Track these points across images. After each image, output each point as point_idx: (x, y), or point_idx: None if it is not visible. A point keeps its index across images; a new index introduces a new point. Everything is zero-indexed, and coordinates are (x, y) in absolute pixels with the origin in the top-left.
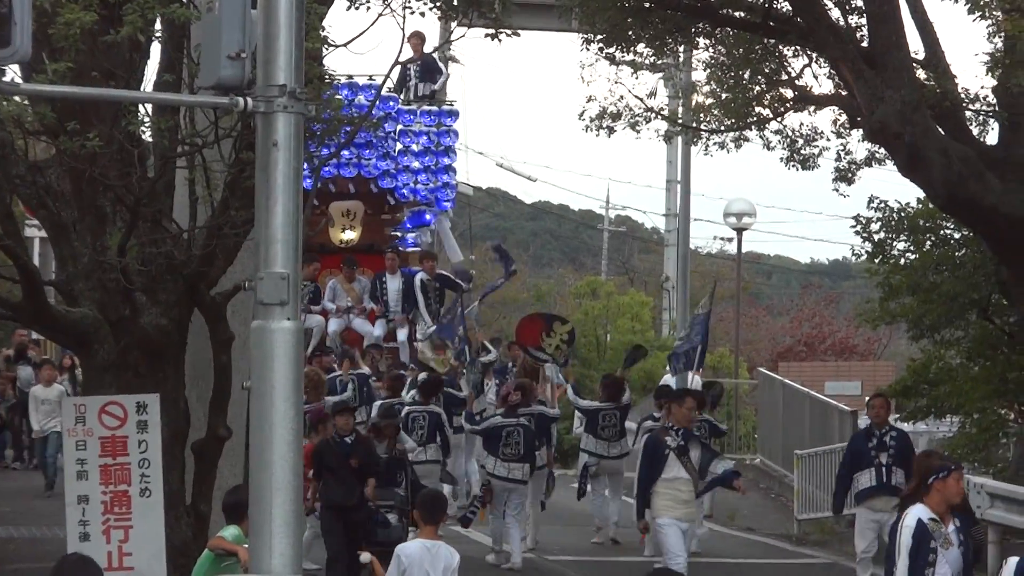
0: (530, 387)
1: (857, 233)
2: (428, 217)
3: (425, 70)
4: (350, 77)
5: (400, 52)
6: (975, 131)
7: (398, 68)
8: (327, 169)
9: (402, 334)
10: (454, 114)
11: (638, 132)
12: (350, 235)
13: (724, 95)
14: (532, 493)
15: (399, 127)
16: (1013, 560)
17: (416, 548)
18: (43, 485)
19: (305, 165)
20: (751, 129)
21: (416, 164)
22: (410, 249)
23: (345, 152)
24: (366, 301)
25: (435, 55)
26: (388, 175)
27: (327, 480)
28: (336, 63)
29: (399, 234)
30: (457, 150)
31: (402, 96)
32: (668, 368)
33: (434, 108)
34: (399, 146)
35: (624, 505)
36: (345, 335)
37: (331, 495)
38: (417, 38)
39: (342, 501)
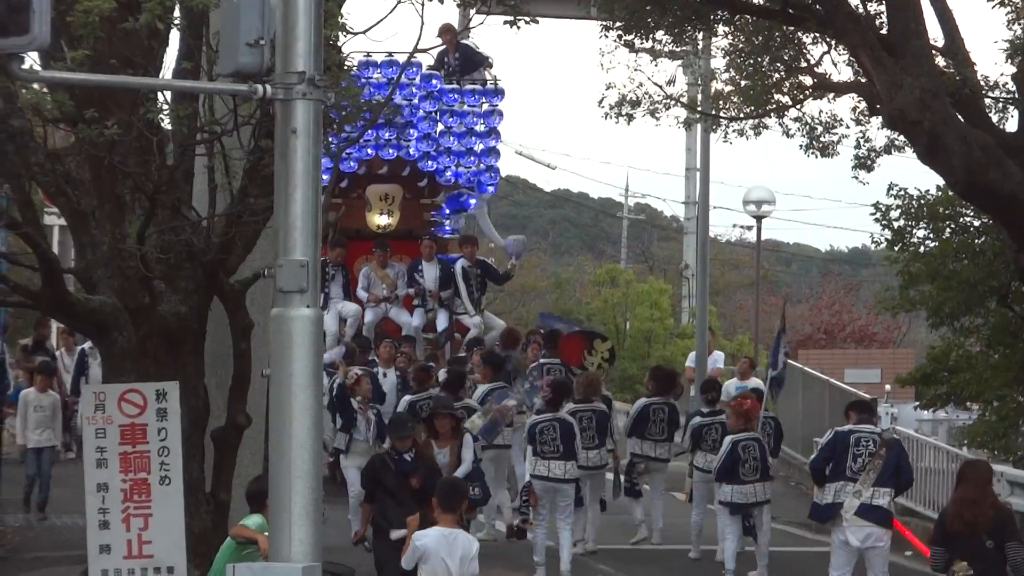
0: (590, 382)
1: (876, 221)
2: (472, 202)
3: (465, 63)
4: (390, 54)
5: (419, 38)
6: (995, 118)
7: (430, 58)
8: (364, 151)
9: (442, 323)
10: (500, 93)
11: (657, 119)
12: (388, 220)
13: (743, 82)
14: (591, 492)
15: (440, 107)
16: None
17: (433, 536)
18: (24, 505)
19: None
20: (770, 116)
21: (458, 146)
22: (447, 236)
23: (384, 133)
24: (401, 287)
25: (472, 44)
26: (429, 158)
27: (382, 503)
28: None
29: (439, 220)
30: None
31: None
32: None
33: (478, 87)
34: (440, 127)
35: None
36: (382, 326)
37: (387, 520)
38: (449, 32)
39: (400, 527)
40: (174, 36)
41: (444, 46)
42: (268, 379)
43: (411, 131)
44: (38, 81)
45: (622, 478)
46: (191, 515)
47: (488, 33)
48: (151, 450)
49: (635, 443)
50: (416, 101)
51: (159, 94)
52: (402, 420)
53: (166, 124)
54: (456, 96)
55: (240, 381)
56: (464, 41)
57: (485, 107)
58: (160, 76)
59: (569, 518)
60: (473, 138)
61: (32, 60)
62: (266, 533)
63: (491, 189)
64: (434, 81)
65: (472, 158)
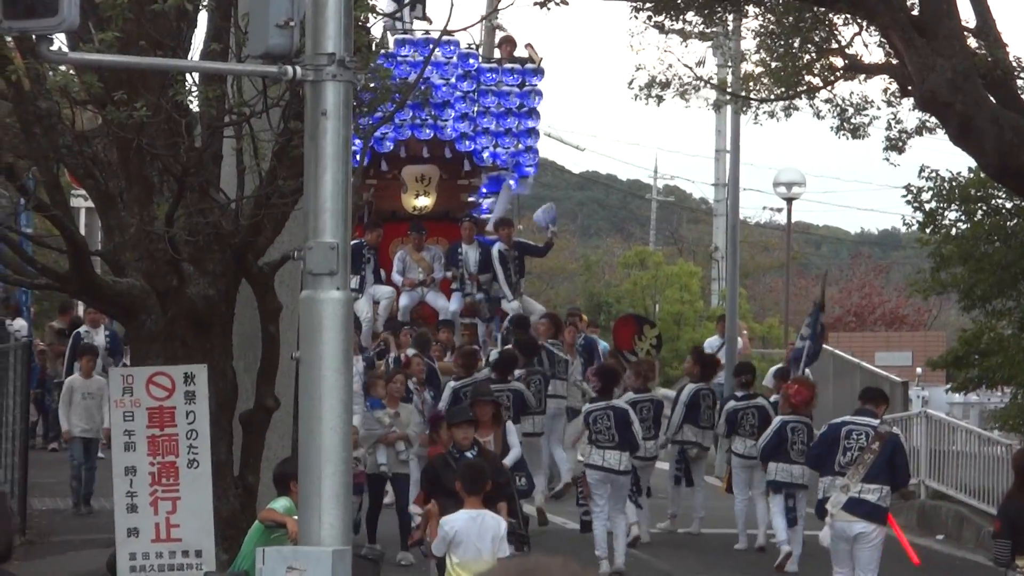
0: (648, 368)
1: (908, 203)
2: (511, 183)
3: None
4: (427, 32)
5: (449, 19)
6: None
7: (470, 36)
8: (400, 131)
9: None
10: (539, 73)
11: (687, 101)
12: (424, 201)
13: (774, 64)
14: (644, 483)
15: (479, 87)
16: None
17: (462, 519)
18: (75, 504)
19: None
20: (801, 98)
21: (496, 126)
22: (484, 216)
23: (420, 113)
24: (438, 270)
25: (526, 53)
26: (466, 138)
27: (444, 505)
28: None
29: (478, 201)
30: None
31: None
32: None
33: (517, 67)
34: (478, 107)
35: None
36: (418, 311)
37: None
38: (508, 44)
39: None
40: (202, 17)
41: (478, 43)
42: (297, 362)
43: (448, 111)
44: (66, 63)
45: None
46: (219, 498)
47: (517, 14)
48: (179, 433)
49: (688, 430)
50: (453, 80)
51: (187, 76)
52: (462, 408)
53: (194, 106)
54: (494, 75)
55: (268, 364)
56: (518, 54)
57: (524, 87)
58: (188, 58)
59: (622, 511)
60: (512, 118)
61: (60, 42)
62: (295, 516)
63: (530, 170)
64: (471, 60)
65: (510, 138)
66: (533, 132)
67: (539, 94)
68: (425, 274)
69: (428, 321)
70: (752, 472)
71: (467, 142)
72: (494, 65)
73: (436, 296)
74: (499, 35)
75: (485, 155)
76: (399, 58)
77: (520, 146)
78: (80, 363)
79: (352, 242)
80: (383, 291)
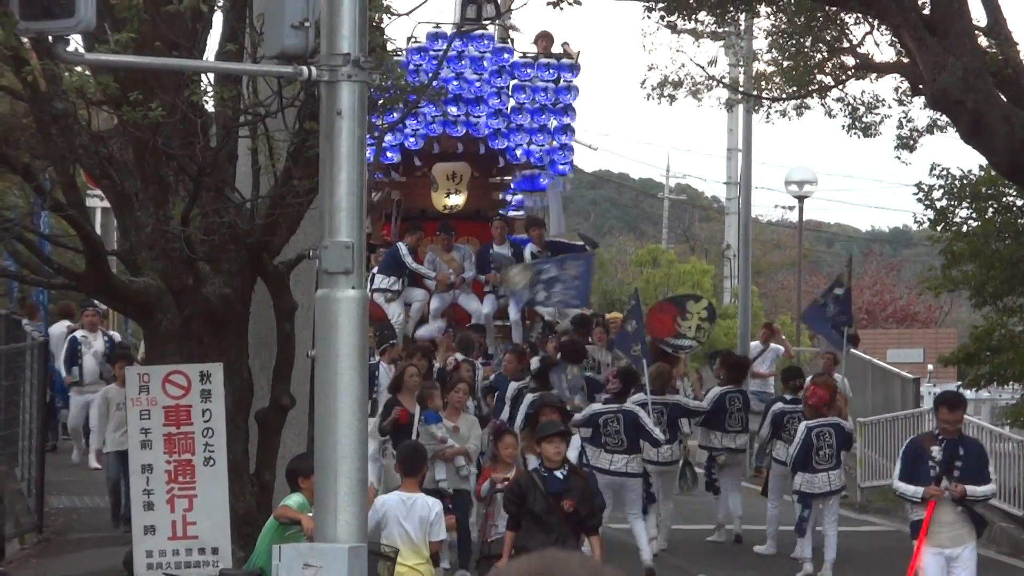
0: (660, 373)
1: (919, 200)
2: (543, 181)
3: None
4: (459, 27)
5: (464, 11)
6: None
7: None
8: (431, 127)
9: (514, 312)
10: (575, 68)
11: (699, 100)
12: (455, 200)
13: (785, 63)
14: (663, 489)
15: (513, 82)
16: None
17: (393, 500)
18: (114, 520)
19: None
20: (812, 97)
21: (531, 123)
22: (512, 213)
23: (452, 109)
24: (468, 269)
25: (564, 49)
26: (499, 134)
27: (529, 530)
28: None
29: (509, 199)
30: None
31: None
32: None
33: (552, 61)
34: (512, 103)
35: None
36: (449, 313)
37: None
38: (545, 39)
39: None
40: (217, 18)
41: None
42: (313, 360)
43: (481, 107)
44: (83, 64)
45: (698, 471)
46: (235, 496)
47: (530, 14)
48: (195, 431)
49: (715, 436)
50: (487, 76)
51: (203, 76)
52: (553, 421)
53: (210, 106)
54: (529, 71)
55: (284, 362)
56: (555, 50)
57: (559, 83)
58: (204, 58)
59: (637, 505)
60: (546, 114)
61: (76, 43)
62: (310, 513)
63: (564, 168)
64: (506, 55)
65: (545, 135)
66: (568, 129)
67: (575, 90)
68: (456, 275)
69: (460, 324)
70: (789, 481)
71: (500, 139)
72: (529, 60)
73: (468, 298)
74: (513, 34)
75: (519, 152)
76: (431, 52)
77: (555, 143)
78: (114, 370)
79: (399, 243)
80: (416, 293)
